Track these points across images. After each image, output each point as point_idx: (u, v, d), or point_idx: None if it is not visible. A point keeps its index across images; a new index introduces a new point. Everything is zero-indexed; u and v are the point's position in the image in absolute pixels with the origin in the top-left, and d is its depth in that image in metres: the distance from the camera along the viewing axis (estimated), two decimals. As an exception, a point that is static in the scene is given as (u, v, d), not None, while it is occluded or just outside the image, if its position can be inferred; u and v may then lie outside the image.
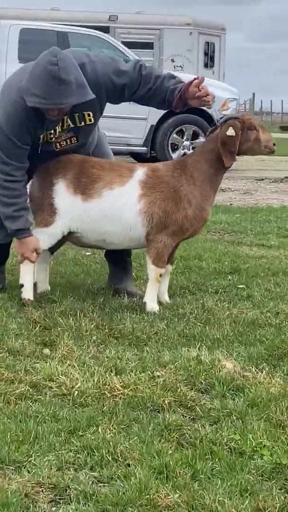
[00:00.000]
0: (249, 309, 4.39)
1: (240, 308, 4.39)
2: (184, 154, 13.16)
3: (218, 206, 8.65)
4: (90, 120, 4.29)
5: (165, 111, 13.03)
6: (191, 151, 13.11)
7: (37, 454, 2.56)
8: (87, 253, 5.77)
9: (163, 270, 4.39)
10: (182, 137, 13.22)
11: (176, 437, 2.74)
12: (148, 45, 16.51)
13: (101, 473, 2.47)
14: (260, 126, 4.39)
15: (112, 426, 2.79)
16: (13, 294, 4.44)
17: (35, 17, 15.50)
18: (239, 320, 4.16)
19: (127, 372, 3.33)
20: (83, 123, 4.28)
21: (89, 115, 4.27)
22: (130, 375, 3.27)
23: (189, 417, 2.94)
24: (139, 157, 13.16)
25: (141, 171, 4.36)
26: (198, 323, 4.10)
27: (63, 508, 2.26)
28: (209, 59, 16.88)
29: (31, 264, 4.37)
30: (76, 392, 3.09)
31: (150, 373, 3.31)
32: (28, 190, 4.40)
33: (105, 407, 2.96)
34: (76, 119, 4.26)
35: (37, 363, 3.41)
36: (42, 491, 2.36)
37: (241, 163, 15.50)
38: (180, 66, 16.68)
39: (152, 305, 4.32)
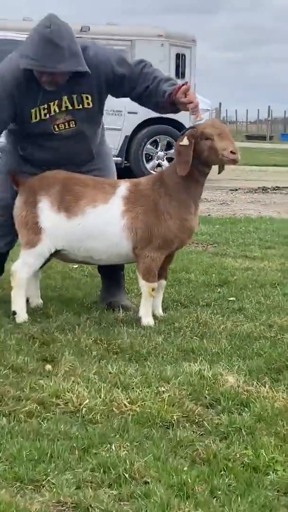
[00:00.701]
0: (242, 322, 4.43)
1: (233, 321, 4.43)
2: (158, 164, 13.26)
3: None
4: (88, 104, 4.32)
5: (140, 121, 13.20)
6: (165, 161, 13.20)
7: (55, 473, 2.57)
8: (75, 266, 5.77)
9: (155, 284, 4.42)
10: (157, 148, 13.29)
11: (190, 454, 2.76)
12: (120, 56, 16.54)
13: (120, 492, 2.49)
14: (218, 135, 4.25)
15: (125, 443, 2.81)
16: (7, 310, 4.42)
17: (6, 27, 15.45)
18: (235, 333, 4.20)
19: (132, 388, 3.35)
20: (81, 106, 4.31)
21: (87, 98, 4.30)
22: (136, 391, 3.29)
23: (198, 433, 2.96)
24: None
25: (123, 187, 4.37)
26: (195, 337, 4.13)
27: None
28: (181, 71, 16.93)
29: (22, 288, 4.36)
30: (84, 409, 3.10)
31: (155, 389, 3.34)
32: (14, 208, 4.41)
33: (115, 424, 2.98)
34: (74, 101, 4.29)
35: (40, 379, 3.41)
36: (65, 511, 2.37)
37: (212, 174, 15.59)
38: (152, 76, 16.71)
39: (147, 319, 4.35)
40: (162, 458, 2.70)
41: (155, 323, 4.35)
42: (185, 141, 4.23)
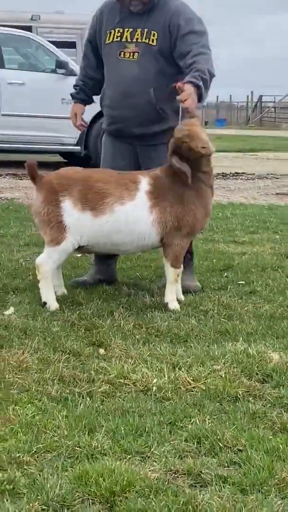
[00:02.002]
0: (261, 304, 4.72)
1: (253, 303, 4.71)
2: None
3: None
4: (153, 41, 4.64)
5: (98, 110, 13.31)
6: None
7: (155, 445, 2.81)
8: (78, 255, 5.96)
9: (180, 270, 4.68)
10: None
11: (267, 424, 3.03)
12: (71, 45, 16.65)
13: (219, 459, 2.74)
14: (188, 136, 4.48)
15: (205, 416, 3.06)
16: (38, 298, 4.60)
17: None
18: (259, 314, 4.48)
19: (188, 367, 3.59)
20: (147, 41, 4.64)
21: (154, 35, 4.64)
22: (193, 370, 3.54)
23: (266, 406, 3.23)
24: (73, 156, 13.32)
25: (145, 181, 4.56)
26: (222, 319, 4.39)
27: (206, 491, 2.52)
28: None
29: (48, 280, 4.55)
30: (154, 387, 3.34)
31: (209, 367, 3.59)
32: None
33: (189, 400, 3.23)
34: (144, 34, 4.65)
35: (101, 362, 3.63)
36: (179, 477, 2.62)
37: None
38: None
39: (174, 304, 4.60)
40: (245, 428, 2.96)
41: (181, 307, 4.59)
42: (175, 163, 4.50)
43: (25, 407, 3.10)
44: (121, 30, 4.65)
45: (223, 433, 2.89)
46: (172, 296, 4.63)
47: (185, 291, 4.87)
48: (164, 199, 4.54)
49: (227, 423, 3.02)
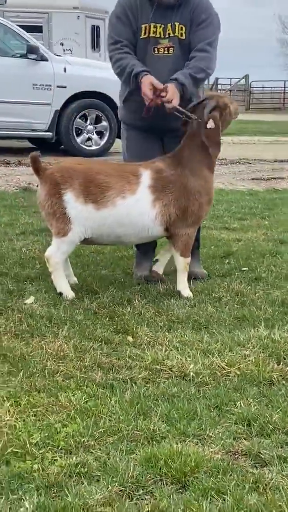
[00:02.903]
0: (270, 289, 4.88)
1: (262, 289, 4.87)
2: (88, 138, 13.48)
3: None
4: (182, 34, 4.76)
5: (69, 96, 13.35)
6: (94, 135, 13.43)
7: (208, 428, 2.95)
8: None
9: (189, 259, 4.81)
10: (86, 122, 13.48)
11: (308, 406, 3.19)
12: (37, 29, 16.63)
13: (272, 440, 2.89)
14: (229, 99, 4.85)
15: (248, 400, 3.21)
16: (54, 287, 4.70)
17: None
18: (271, 300, 4.63)
19: (217, 352, 3.74)
20: (179, 35, 4.75)
21: (182, 28, 4.76)
22: (224, 355, 3.69)
23: (301, 388, 3.39)
24: (44, 142, 13.33)
25: (146, 175, 4.63)
26: (237, 305, 4.54)
27: (269, 470, 2.67)
28: (96, 42, 17.16)
29: (60, 270, 4.64)
30: (192, 373, 3.47)
31: (238, 352, 3.74)
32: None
33: (228, 385, 3.37)
34: (176, 28, 4.75)
35: (134, 349, 3.75)
36: (240, 458, 2.76)
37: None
38: (70, 49, 16.91)
39: (186, 292, 4.73)
40: (288, 410, 3.12)
41: (194, 294, 4.73)
42: (211, 124, 4.67)
43: (75, 394, 3.21)
44: (156, 26, 4.72)
45: (271, 415, 3.04)
46: (184, 284, 4.76)
47: (193, 278, 5.00)
48: (168, 192, 4.63)
49: (269, 406, 3.16)
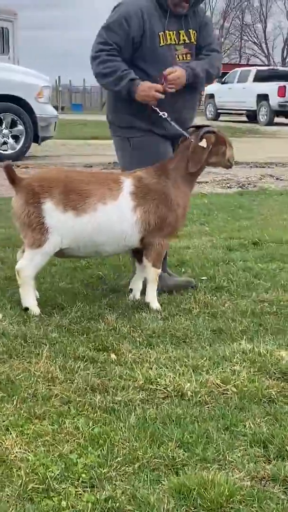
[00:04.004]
0: (236, 299, 4.84)
1: (228, 300, 4.82)
2: (4, 142, 13.22)
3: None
4: (194, 39, 4.79)
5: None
6: (10, 139, 13.19)
7: (226, 452, 2.86)
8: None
9: (160, 270, 4.72)
10: (1, 125, 13.24)
11: None
12: None
13: (293, 462, 2.82)
14: (229, 143, 4.86)
15: (257, 419, 3.14)
16: (16, 301, 4.53)
17: None
18: (241, 311, 4.59)
19: (207, 369, 3.65)
20: (192, 40, 4.78)
21: (194, 34, 4.79)
22: (216, 372, 3.60)
23: (303, 404, 3.34)
24: None
25: (128, 182, 4.58)
26: (208, 317, 4.48)
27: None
28: (4, 45, 16.82)
29: (29, 285, 4.49)
30: (189, 392, 3.38)
31: (228, 368, 3.67)
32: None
33: (230, 404, 3.29)
34: (190, 35, 4.75)
35: (122, 368, 3.63)
36: (268, 484, 2.68)
37: (48, 148, 15.77)
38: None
39: (155, 304, 4.64)
40: (300, 429, 3.06)
41: (163, 307, 4.64)
42: (203, 143, 4.67)
43: (78, 420, 3.07)
44: (170, 33, 4.68)
45: (286, 436, 2.97)
46: (154, 295, 4.67)
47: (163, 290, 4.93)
48: (149, 199, 4.57)
49: (277, 425, 3.10)
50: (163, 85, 4.62)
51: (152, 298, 4.66)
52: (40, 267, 4.53)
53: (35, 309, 4.46)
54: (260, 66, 37.63)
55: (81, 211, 4.43)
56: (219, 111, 32.18)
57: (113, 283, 5.19)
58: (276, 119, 29.36)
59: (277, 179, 12.09)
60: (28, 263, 4.45)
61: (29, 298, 4.48)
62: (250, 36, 70.03)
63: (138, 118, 4.81)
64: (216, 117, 32.05)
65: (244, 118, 31.67)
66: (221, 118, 32.25)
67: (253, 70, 31.46)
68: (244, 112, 31.14)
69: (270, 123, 28.47)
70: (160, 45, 4.67)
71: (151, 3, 4.65)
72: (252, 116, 30.24)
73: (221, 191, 10.47)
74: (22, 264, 4.46)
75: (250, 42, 70.08)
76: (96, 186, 4.50)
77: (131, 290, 4.88)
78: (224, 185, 11.18)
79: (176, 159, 4.76)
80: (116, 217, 4.50)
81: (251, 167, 13.82)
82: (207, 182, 11.20)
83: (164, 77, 4.60)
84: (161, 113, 4.67)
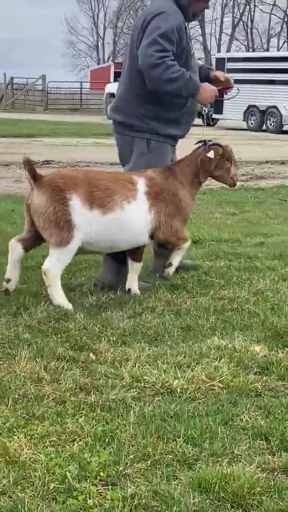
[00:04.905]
0: (197, 297, 4.89)
1: (190, 298, 4.86)
2: None
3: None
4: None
5: None
6: None
7: (232, 446, 2.91)
8: None
9: (188, 242, 5.18)
10: None
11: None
12: None
13: (296, 453, 2.90)
14: (234, 161, 5.14)
15: (249, 413, 3.20)
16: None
17: None
18: (205, 308, 4.64)
19: (189, 366, 3.69)
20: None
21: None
22: (198, 368, 3.65)
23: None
24: None
25: (141, 182, 4.75)
26: (173, 315, 4.52)
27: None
28: None
29: (57, 285, 4.52)
30: (178, 389, 3.41)
31: (209, 364, 3.71)
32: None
33: (222, 399, 3.34)
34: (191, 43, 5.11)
35: (106, 367, 3.63)
36: (280, 475, 2.74)
37: None
38: None
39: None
40: (294, 420, 3.14)
41: (128, 306, 4.65)
42: (211, 154, 4.98)
43: (78, 419, 3.05)
44: (189, 44, 4.99)
45: (286, 428, 3.03)
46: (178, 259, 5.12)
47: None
48: (160, 199, 4.81)
49: (272, 418, 3.16)
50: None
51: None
52: (66, 265, 4.55)
53: (67, 306, 4.48)
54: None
55: (108, 209, 4.52)
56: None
57: (68, 283, 5.15)
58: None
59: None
60: (56, 262, 4.47)
61: (60, 296, 4.50)
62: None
63: (162, 123, 5.02)
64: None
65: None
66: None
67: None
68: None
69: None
70: (190, 54, 4.98)
71: (181, 14, 4.89)
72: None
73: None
74: (49, 264, 4.47)
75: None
76: (118, 185, 4.62)
77: (129, 290, 4.93)
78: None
79: (184, 163, 5.03)
80: (137, 216, 4.67)
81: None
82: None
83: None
84: (204, 111, 5.14)
